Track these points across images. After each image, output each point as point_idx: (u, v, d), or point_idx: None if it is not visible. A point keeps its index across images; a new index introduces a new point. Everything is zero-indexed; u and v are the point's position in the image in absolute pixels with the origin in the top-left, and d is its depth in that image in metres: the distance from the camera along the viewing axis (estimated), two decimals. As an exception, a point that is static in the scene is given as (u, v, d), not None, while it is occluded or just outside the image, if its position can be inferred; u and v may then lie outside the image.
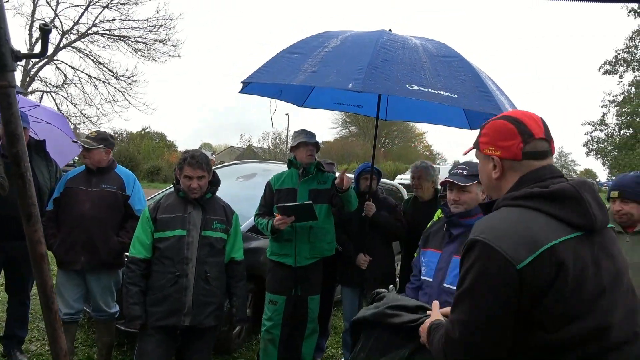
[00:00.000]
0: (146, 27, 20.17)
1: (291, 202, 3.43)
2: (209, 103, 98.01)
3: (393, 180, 12.01)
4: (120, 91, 20.96)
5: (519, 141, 1.39)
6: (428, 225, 2.62)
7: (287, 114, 38.36)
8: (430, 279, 2.28)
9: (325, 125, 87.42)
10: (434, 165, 4.23)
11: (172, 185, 3.13)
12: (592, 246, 1.27)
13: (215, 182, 2.99)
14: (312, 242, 3.51)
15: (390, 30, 3.36)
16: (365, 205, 3.63)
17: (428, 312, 1.72)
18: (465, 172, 2.31)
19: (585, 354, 1.21)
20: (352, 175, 4.00)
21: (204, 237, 2.82)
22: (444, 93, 2.67)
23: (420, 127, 51.13)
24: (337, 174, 3.48)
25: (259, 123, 73.48)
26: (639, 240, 2.54)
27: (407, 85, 2.65)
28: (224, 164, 6.77)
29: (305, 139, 3.53)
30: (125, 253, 3.09)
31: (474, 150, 1.54)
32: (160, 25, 20.20)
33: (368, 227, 3.65)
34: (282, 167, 4.00)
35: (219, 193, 3.06)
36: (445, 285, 2.19)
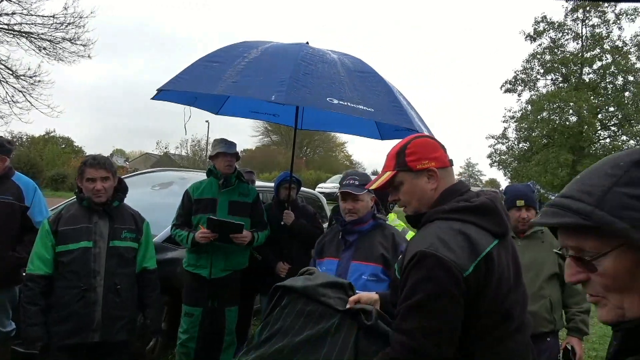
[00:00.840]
0: (52, 24, 18.71)
1: (210, 214, 3.37)
2: (121, 107, 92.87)
3: (314, 189, 12.18)
4: (20, 91, 19.20)
5: (444, 151, 1.62)
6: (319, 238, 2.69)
7: (207, 121, 37.43)
8: None
9: (246, 132, 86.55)
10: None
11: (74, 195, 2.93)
12: (507, 250, 1.48)
13: (122, 189, 2.84)
14: (228, 255, 3.47)
15: (307, 43, 3.43)
16: (284, 213, 3.66)
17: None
18: (357, 182, 2.43)
19: (494, 337, 1.42)
20: (271, 184, 4.02)
21: (112, 248, 2.67)
22: (362, 107, 2.76)
23: (341, 137, 52.41)
24: (258, 183, 3.49)
25: (175, 129, 70.92)
26: (528, 244, 2.78)
27: (328, 99, 2.71)
28: (138, 172, 6.47)
29: (224, 149, 3.48)
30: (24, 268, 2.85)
31: (388, 174, 1.62)
32: (69, 23, 18.84)
33: (287, 235, 3.68)
34: (202, 176, 3.92)
35: (133, 203, 2.92)
36: None
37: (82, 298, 2.57)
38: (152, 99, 3.21)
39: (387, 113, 2.90)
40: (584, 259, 0.76)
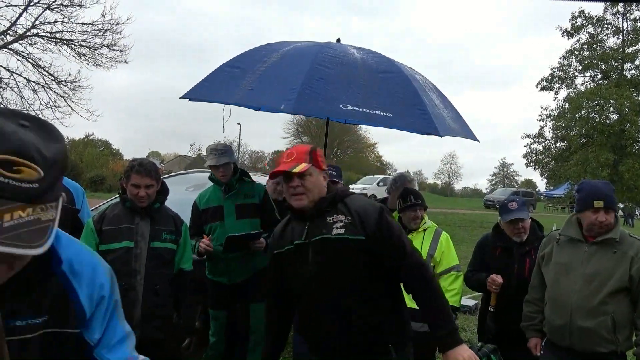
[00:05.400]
0: (91, 31, 19.36)
1: (219, 222, 3.36)
2: (157, 110, 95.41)
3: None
4: (62, 97, 19.95)
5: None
6: None
7: (238, 123, 38.00)
8: None
9: (277, 134, 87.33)
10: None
11: (117, 195, 3.02)
12: None
13: (163, 191, 2.90)
14: (245, 260, 3.42)
15: (338, 40, 3.34)
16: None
17: None
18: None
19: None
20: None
21: (152, 249, 2.74)
22: (379, 112, 2.68)
23: (372, 137, 52.21)
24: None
25: (209, 132, 72.27)
26: (597, 251, 2.49)
27: (341, 106, 2.64)
28: (173, 173, 6.60)
29: (214, 163, 3.37)
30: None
31: (304, 165, 1.93)
32: (106, 30, 19.46)
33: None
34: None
35: (167, 203, 2.98)
36: None
37: (124, 297, 2.63)
38: (184, 98, 3.17)
39: (406, 117, 2.78)
40: None
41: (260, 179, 5.32)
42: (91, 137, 32.79)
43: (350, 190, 2.12)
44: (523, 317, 2.81)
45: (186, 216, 3.12)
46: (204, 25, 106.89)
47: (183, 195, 5.14)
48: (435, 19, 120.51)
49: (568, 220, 2.68)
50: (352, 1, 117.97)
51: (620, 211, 32.66)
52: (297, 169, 1.90)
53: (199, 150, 45.26)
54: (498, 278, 2.95)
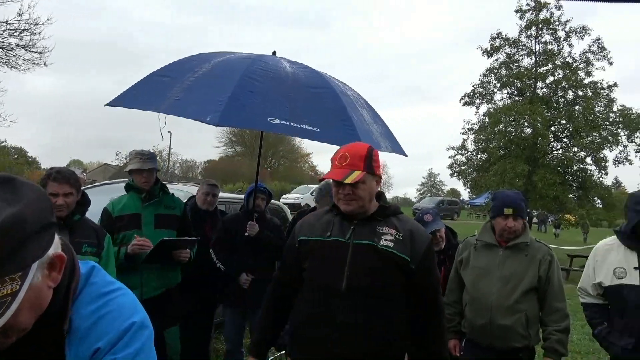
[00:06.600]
0: (5, 30, 17.99)
1: (135, 230, 3.23)
2: (82, 117, 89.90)
3: (279, 200, 12.15)
4: (-31, 100, 18.31)
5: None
6: None
7: (169, 131, 36.75)
8: None
9: (209, 143, 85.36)
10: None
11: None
12: None
13: (84, 202, 2.77)
14: (160, 271, 3.29)
15: (274, 53, 3.35)
16: (248, 224, 3.64)
17: None
18: None
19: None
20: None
21: None
22: (306, 127, 2.70)
23: (306, 147, 52.60)
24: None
25: (135, 140, 69.15)
26: (510, 255, 2.70)
27: (269, 119, 2.64)
28: (96, 183, 6.29)
29: (139, 166, 3.29)
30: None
31: (358, 174, 1.88)
32: (23, 30, 18.15)
33: (251, 247, 3.67)
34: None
35: (91, 214, 2.84)
36: None
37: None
38: (109, 105, 3.03)
39: (334, 132, 2.79)
40: None
41: (191, 188, 5.20)
42: (3, 144, 30.31)
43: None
44: None
45: (110, 228, 2.98)
46: (136, 31, 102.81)
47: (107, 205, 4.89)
48: (371, 34, 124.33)
49: (484, 226, 2.89)
50: (289, 14, 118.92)
51: (534, 218, 35.29)
52: (349, 179, 1.84)
53: (125, 159, 43.19)
54: None
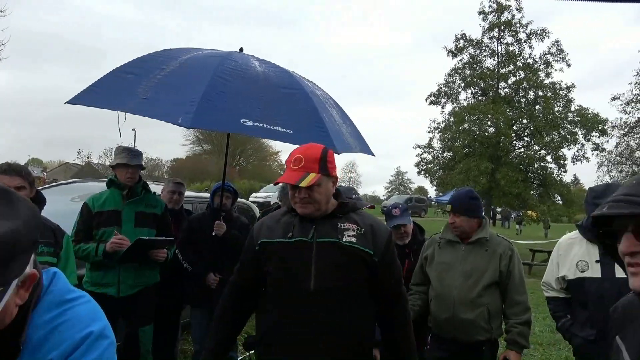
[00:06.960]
0: (-44, 22, 17.10)
1: (115, 227, 3.19)
2: (41, 115, 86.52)
3: (247, 199, 12.04)
4: None
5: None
6: None
7: (133, 129, 35.91)
8: None
9: (176, 141, 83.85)
10: None
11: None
12: None
13: (38, 200, 2.65)
14: (137, 269, 3.26)
15: (241, 49, 3.30)
16: (215, 224, 3.59)
17: None
18: None
19: None
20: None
21: None
22: (279, 129, 2.67)
23: (275, 146, 52.34)
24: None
25: (97, 138, 67.14)
26: (471, 250, 2.78)
27: (242, 120, 2.60)
28: (57, 183, 6.08)
29: (126, 161, 3.28)
30: None
31: (313, 176, 1.85)
32: (-24, 22, 17.29)
33: (218, 246, 3.63)
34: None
35: (50, 214, 2.73)
36: None
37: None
38: (69, 103, 2.92)
39: (306, 134, 2.75)
40: None
41: (157, 187, 5.10)
42: (-44, 142, 28.77)
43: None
44: None
45: (69, 227, 2.88)
46: (98, 26, 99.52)
47: (68, 205, 4.74)
48: (334, 33, 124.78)
49: (447, 224, 2.97)
50: (254, 11, 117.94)
51: (498, 214, 36.28)
52: (304, 183, 1.82)
53: (88, 157, 41.91)
54: None
